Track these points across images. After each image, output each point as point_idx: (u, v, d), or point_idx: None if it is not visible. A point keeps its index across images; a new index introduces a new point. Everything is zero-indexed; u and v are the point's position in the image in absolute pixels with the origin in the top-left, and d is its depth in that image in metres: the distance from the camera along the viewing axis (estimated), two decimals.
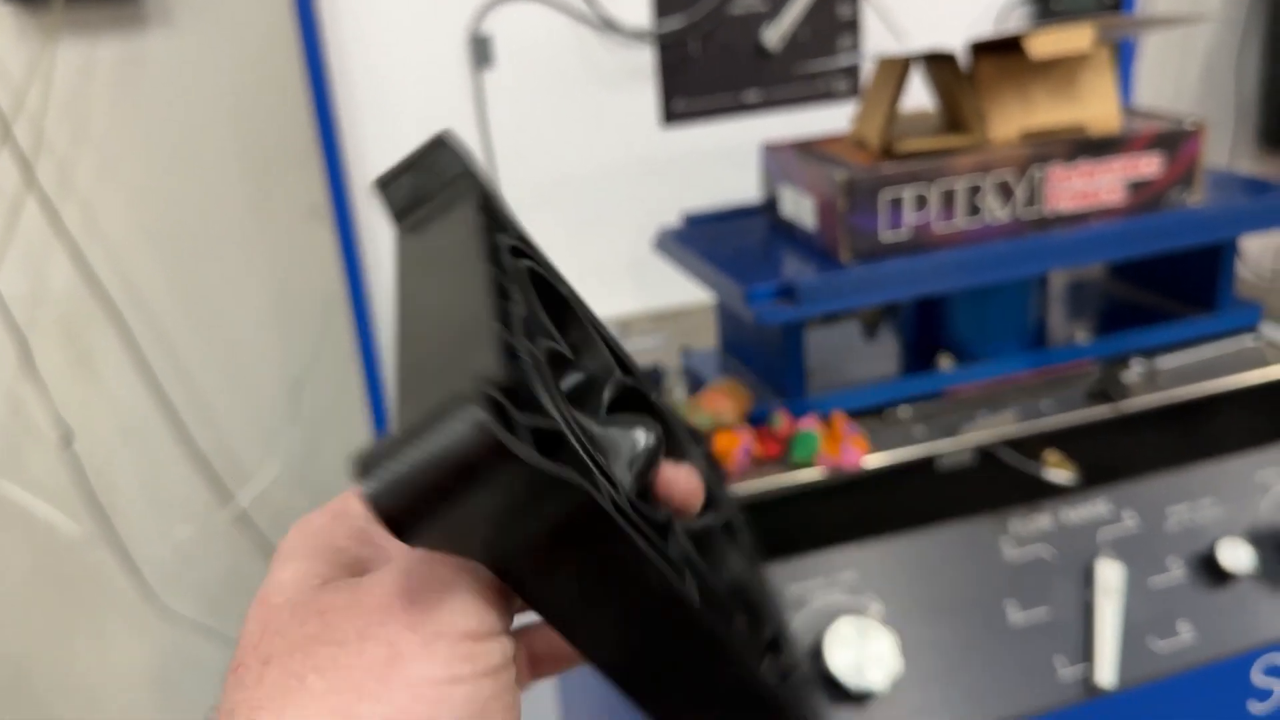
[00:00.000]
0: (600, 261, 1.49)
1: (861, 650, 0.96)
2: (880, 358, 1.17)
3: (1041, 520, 1.07)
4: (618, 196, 1.46)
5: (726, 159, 1.43)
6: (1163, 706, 1.01)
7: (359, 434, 1.57)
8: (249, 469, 1.60)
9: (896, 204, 0.99)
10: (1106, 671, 0.99)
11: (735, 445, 0.97)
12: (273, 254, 1.52)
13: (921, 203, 0.99)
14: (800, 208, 1.06)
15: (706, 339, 1.28)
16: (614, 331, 1.38)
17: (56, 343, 1.49)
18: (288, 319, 1.55)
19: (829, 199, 0.99)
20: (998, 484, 1.06)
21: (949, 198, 0.99)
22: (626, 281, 1.49)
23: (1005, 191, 1.01)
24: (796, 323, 1.00)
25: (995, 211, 1.01)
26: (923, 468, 1.03)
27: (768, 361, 1.08)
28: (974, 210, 1.01)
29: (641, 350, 1.32)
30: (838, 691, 0.96)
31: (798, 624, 0.99)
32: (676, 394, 1.16)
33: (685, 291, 1.48)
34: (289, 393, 1.57)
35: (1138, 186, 1.04)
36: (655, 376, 1.17)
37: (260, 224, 1.51)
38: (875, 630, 0.97)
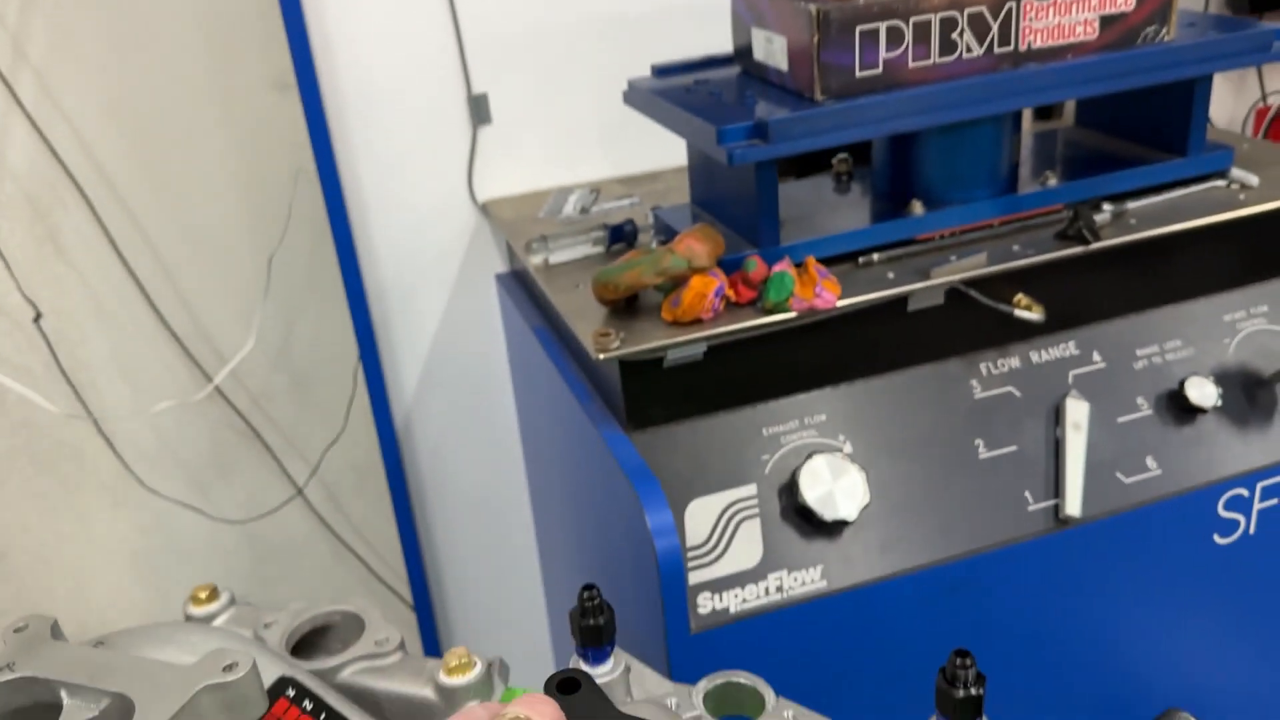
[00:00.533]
0: (570, 127, 1.46)
1: (833, 485, 0.98)
2: (852, 209, 1.17)
3: (1011, 361, 1.08)
4: (586, 55, 1.43)
5: (696, 15, 1.41)
6: (1130, 537, 1.04)
7: (335, 307, 1.56)
8: (224, 346, 1.59)
9: (871, 40, 0.97)
10: (1074, 503, 1.02)
11: (710, 288, 0.97)
12: (239, 127, 1.49)
13: (896, 38, 0.98)
14: (772, 49, 1.05)
15: (678, 200, 1.27)
16: (585, 195, 1.35)
17: (20, 220, 1.46)
18: (257, 193, 1.52)
19: (802, 36, 0.98)
20: (968, 326, 1.06)
21: (924, 32, 0.98)
22: (596, 147, 1.48)
23: (980, 25, 0.99)
24: (769, 162, 1.00)
25: (970, 47, 1.00)
26: (895, 309, 1.03)
27: (740, 211, 1.08)
28: (948, 46, 1.00)
29: (613, 210, 1.31)
30: (813, 523, 0.98)
31: (773, 465, 1.00)
32: (649, 245, 1.15)
33: (655, 157, 1.47)
34: (262, 268, 1.55)
35: (1112, 21, 1.03)
36: (629, 230, 1.17)
37: (225, 97, 1.48)
38: (846, 466, 0.99)
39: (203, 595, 0.85)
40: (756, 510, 0.99)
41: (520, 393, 1.50)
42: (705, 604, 0.96)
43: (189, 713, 0.58)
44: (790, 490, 0.99)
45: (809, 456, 0.99)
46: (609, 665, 0.73)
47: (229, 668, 0.60)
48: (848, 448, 1.02)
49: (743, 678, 0.70)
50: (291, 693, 0.69)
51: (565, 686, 0.53)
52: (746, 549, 0.98)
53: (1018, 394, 1.06)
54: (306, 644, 0.85)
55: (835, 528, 0.99)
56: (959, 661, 0.62)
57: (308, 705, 0.68)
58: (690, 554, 0.96)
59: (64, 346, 1.52)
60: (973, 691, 0.62)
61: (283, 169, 1.51)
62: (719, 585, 0.96)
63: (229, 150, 1.50)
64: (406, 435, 1.63)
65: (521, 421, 1.55)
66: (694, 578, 0.96)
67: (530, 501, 1.64)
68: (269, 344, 1.61)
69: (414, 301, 1.53)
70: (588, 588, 0.71)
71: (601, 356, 0.94)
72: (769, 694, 0.69)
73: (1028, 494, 1.03)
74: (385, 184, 1.46)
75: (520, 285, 1.38)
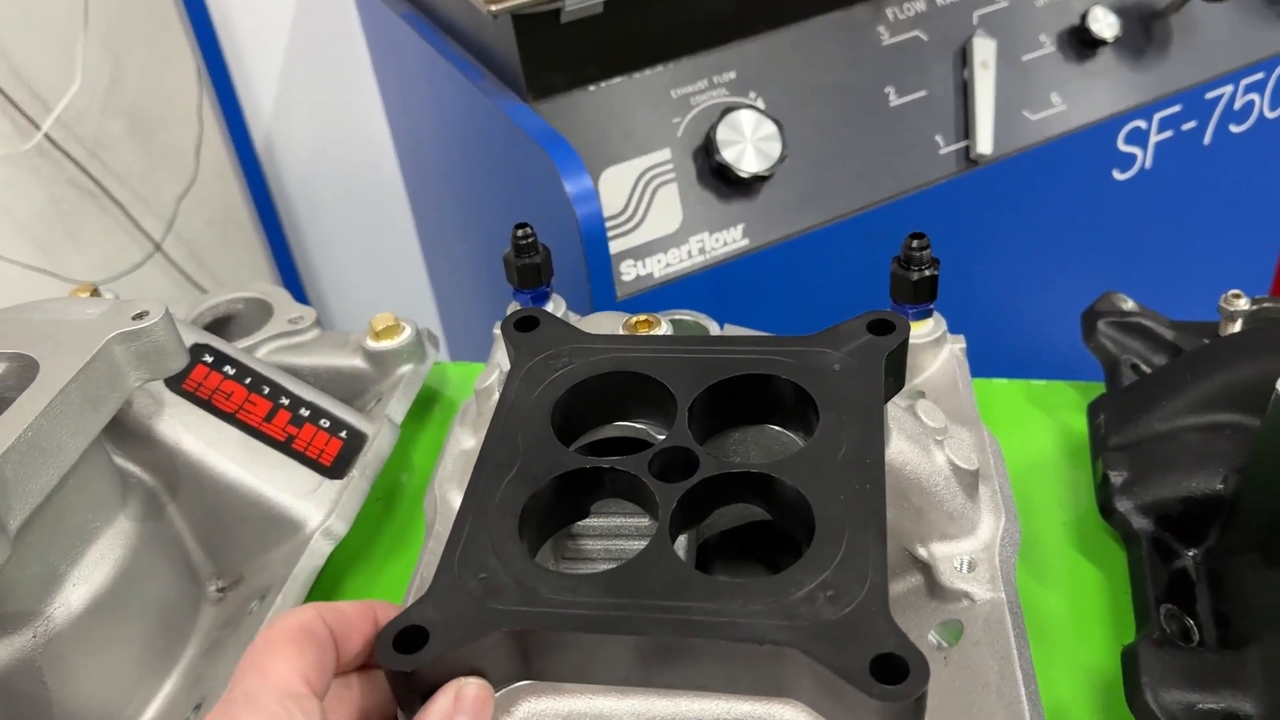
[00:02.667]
0: None
1: (748, 141, 0.94)
2: None
3: (917, 5, 1.04)
4: None
5: None
6: (1038, 171, 1.04)
7: (167, 31, 1.40)
8: (47, 91, 1.42)
9: None
10: (985, 142, 1.01)
11: None
12: None
13: None
14: None
15: None
16: None
17: None
18: None
19: None
20: None
21: None
22: None
23: None
24: None
25: None
26: None
27: None
28: None
29: None
30: (730, 182, 0.94)
31: (686, 128, 0.95)
32: None
33: None
34: None
35: None
36: None
37: None
38: (761, 121, 0.95)
39: (84, 294, 0.76)
40: (673, 175, 0.94)
41: (390, 95, 1.38)
42: (629, 271, 0.92)
43: (101, 365, 0.51)
44: (706, 151, 0.95)
45: (722, 114, 0.94)
46: (549, 308, 0.69)
47: (139, 315, 0.53)
48: (760, 104, 0.97)
49: (685, 314, 0.67)
50: (210, 359, 0.63)
51: (524, 325, 0.50)
52: (665, 214, 0.94)
53: (925, 38, 1.03)
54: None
55: (753, 185, 0.95)
56: (914, 244, 0.60)
57: (229, 370, 0.63)
58: (609, 223, 0.91)
59: None
60: (927, 273, 0.61)
61: None
62: (641, 252, 0.93)
63: None
64: (269, 160, 1.50)
65: (394, 127, 1.44)
66: (615, 246, 0.92)
67: (414, 216, 1.55)
68: (97, 84, 1.44)
69: (259, 12, 1.38)
70: (521, 225, 0.66)
71: (494, 9, 0.86)
72: (712, 325, 0.66)
73: (939, 138, 1.01)
74: None
75: None
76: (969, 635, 0.48)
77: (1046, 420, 0.70)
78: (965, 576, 0.50)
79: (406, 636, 0.34)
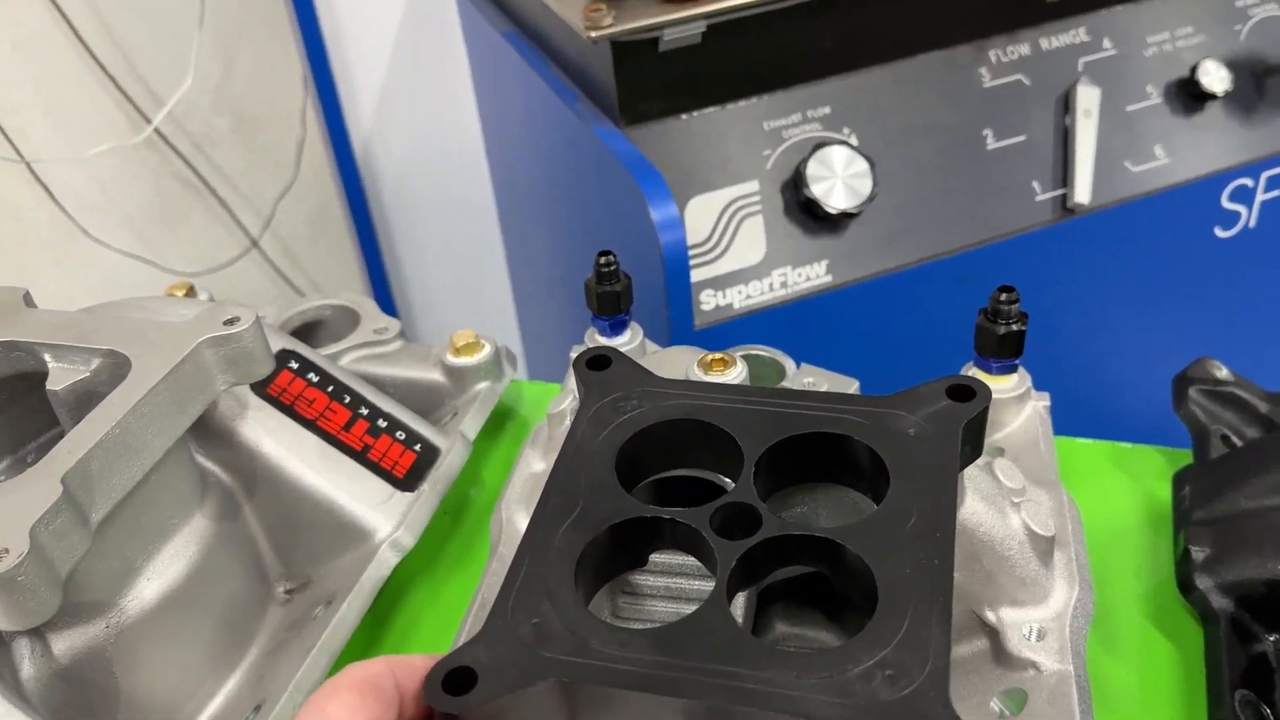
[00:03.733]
0: None
1: (838, 177, 0.93)
2: None
3: (1021, 48, 1.02)
4: None
5: None
6: (1136, 225, 1.02)
7: (278, 36, 1.44)
8: (160, 86, 1.47)
9: None
10: (1083, 191, 0.98)
11: None
12: None
13: None
14: None
15: None
16: None
17: None
18: None
19: None
20: (979, 5, 1.00)
21: None
22: None
23: None
24: None
25: None
26: None
27: None
28: None
29: None
30: (817, 217, 0.94)
31: (776, 160, 0.95)
32: None
33: None
34: None
35: None
36: None
37: None
38: (853, 158, 0.94)
39: (179, 293, 0.79)
40: (759, 207, 0.94)
41: (487, 110, 1.41)
42: (709, 301, 0.92)
43: (190, 367, 0.53)
44: (794, 186, 0.94)
45: (814, 149, 0.94)
46: (626, 337, 0.69)
47: (230, 321, 0.54)
48: (853, 140, 0.96)
49: (762, 350, 0.67)
50: (295, 365, 0.64)
51: (596, 364, 0.50)
52: (749, 246, 0.94)
53: (1027, 82, 1.01)
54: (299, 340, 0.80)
55: (840, 222, 0.95)
56: (1002, 297, 0.59)
57: (313, 378, 0.64)
58: (692, 252, 0.92)
59: None
60: (1015, 327, 0.60)
61: None
62: (722, 282, 0.93)
63: None
64: (366, 166, 1.54)
65: (488, 142, 1.47)
66: (696, 275, 0.92)
67: (501, 230, 1.57)
68: (208, 82, 1.49)
69: (366, 22, 1.41)
70: (604, 253, 0.67)
71: (594, 35, 0.87)
72: (789, 363, 0.66)
73: (1035, 184, 0.99)
74: None
75: None
76: (1032, 706, 0.47)
77: (1129, 485, 0.68)
78: (1033, 645, 0.49)
79: (456, 678, 0.34)
